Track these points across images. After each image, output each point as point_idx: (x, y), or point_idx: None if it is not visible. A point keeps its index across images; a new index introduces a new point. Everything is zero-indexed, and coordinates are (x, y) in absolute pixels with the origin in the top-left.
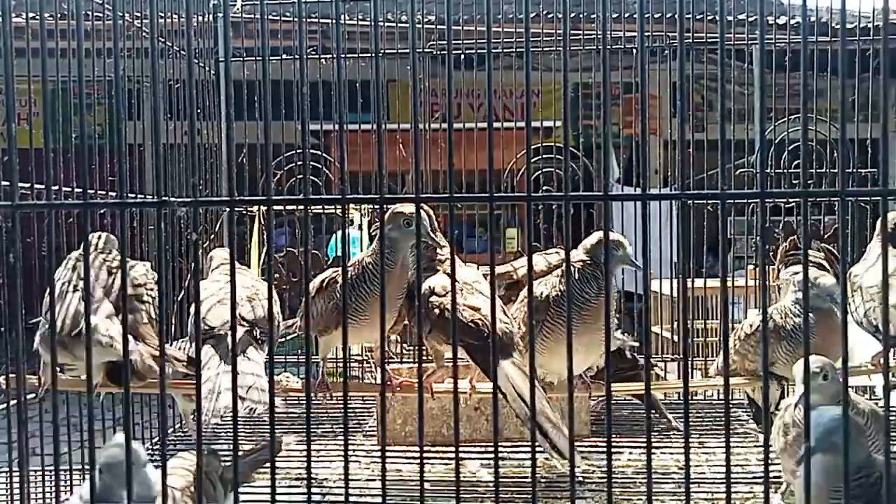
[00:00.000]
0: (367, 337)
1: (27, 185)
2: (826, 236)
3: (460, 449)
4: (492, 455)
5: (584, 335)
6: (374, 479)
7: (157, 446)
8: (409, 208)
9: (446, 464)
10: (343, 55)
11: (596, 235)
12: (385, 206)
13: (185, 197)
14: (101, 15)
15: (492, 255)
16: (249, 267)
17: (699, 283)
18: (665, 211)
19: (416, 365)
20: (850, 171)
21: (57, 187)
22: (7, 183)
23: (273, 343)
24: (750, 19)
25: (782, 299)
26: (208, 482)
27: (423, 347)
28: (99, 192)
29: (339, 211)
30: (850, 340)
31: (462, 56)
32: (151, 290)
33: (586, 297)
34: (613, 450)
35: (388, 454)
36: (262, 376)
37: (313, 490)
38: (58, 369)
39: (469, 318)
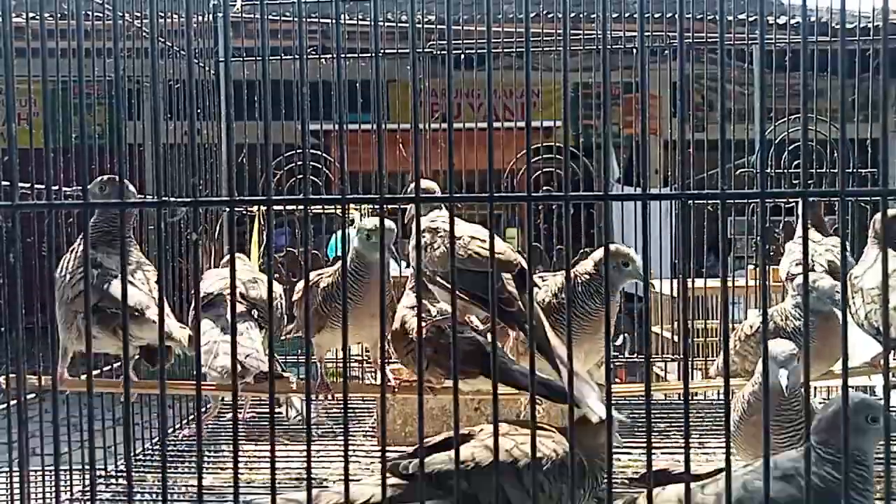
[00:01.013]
0: (357, 332)
1: (27, 185)
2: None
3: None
4: None
5: (584, 343)
6: None
7: (157, 446)
8: (370, 223)
9: None
10: (343, 55)
11: (610, 251)
12: (385, 205)
13: (185, 197)
14: (101, 15)
15: (492, 256)
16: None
17: (699, 283)
18: (665, 211)
19: (417, 365)
20: (850, 171)
21: (57, 187)
22: (7, 183)
23: (273, 339)
24: (750, 19)
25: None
26: None
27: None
28: None
29: (339, 211)
30: (849, 342)
31: (462, 56)
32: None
33: (588, 309)
34: (613, 450)
35: (388, 454)
36: (259, 349)
37: (314, 491)
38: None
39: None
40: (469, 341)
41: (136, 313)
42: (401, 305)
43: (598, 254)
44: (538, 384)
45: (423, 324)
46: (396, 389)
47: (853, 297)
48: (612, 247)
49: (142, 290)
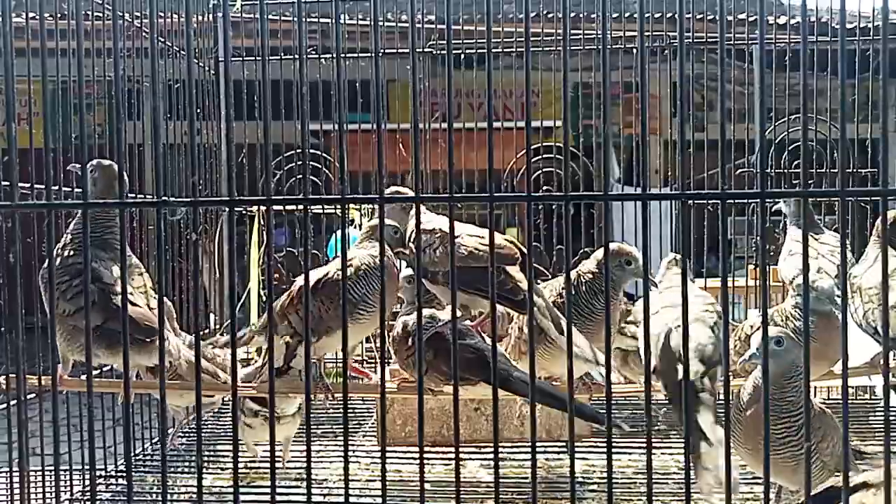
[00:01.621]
0: (368, 332)
1: (27, 185)
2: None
3: (460, 449)
4: (492, 455)
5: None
6: (375, 480)
7: (157, 446)
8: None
9: (446, 464)
10: (343, 55)
11: (612, 249)
12: (385, 205)
13: (185, 197)
14: (101, 15)
15: (492, 255)
16: (249, 266)
17: (699, 282)
18: (665, 211)
19: (417, 365)
20: (850, 171)
21: (57, 187)
22: (7, 183)
23: (273, 338)
24: (750, 19)
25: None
26: None
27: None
28: None
29: (338, 211)
30: (849, 343)
31: (462, 56)
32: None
33: (592, 308)
34: (613, 450)
35: (388, 455)
36: None
37: (313, 490)
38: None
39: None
40: (471, 349)
41: (148, 339)
42: (402, 311)
43: (601, 252)
44: (540, 392)
45: (425, 330)
46: (397, 387)
47: (852, 297)
48: (614, 245)
49: (144, 306)
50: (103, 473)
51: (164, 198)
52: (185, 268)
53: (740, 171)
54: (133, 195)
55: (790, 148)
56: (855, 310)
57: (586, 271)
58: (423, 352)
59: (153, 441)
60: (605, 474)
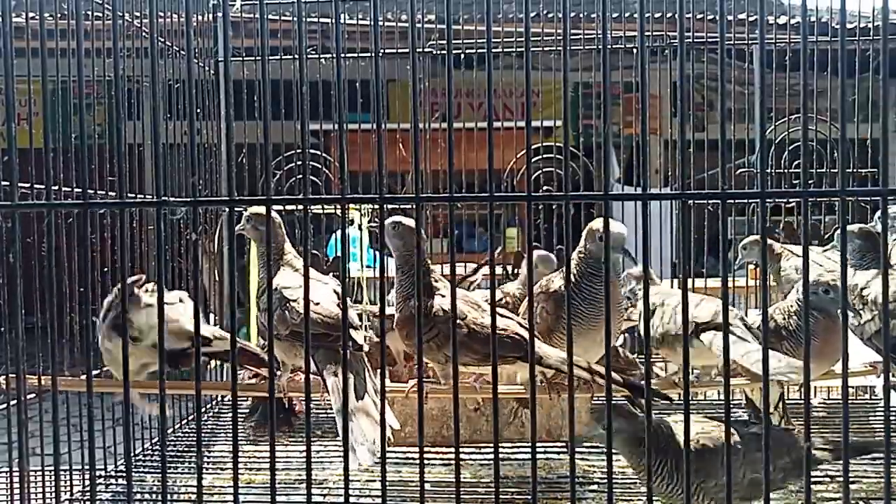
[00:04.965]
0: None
1: (27, 185)
2: (826, 236)
3: (460, 450)
4: (492, 455)
5: (601, 329)
6: (374, 480)
7: (157, 446)
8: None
9: (446, 464)
10: (343, 55)
11: (587, 227)
12: (385, 206)
13: (185, 197)
14: (101, 15)
15: (492, 255)
16: (249, 267)
17: (699, 283)
18: (665, 211)
19: (416, 365)
20: (850, 171)
21: (57, 187)
22: (7, 183)
23: (272, 339)
24: (750, 19)
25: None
26: None
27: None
28: (99, 191)
29: (338, 211)
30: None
31: (462, 56)
32: None
33: (594, 288)
34: (613, 450)
35: (388, 455)
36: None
37: (313, 491)
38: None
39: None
40: (507, 335)
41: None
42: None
43: (585, 232)
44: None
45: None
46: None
47: (862, 308)
48: (594, 222)
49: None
50: (103, 473)
51: (164, 198)
52: (185, 268)
53: (740, 171)
54: (133, 195)
55: (790, 148)
56: (862, 322)
57: (574, 256)
58: (421, 342)
59: (153, 441)
60: (605, 474)
